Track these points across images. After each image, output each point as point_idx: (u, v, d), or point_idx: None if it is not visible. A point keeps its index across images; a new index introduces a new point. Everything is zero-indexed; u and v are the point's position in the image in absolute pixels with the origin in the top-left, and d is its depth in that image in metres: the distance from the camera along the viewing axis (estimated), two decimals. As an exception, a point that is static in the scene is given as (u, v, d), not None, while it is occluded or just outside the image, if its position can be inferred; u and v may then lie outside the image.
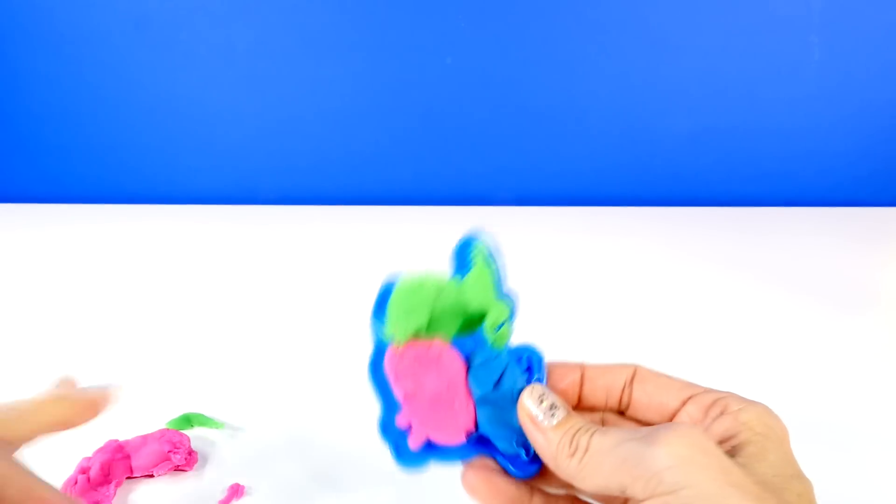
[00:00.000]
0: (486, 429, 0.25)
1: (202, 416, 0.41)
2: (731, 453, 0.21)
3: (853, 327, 0.54)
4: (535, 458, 0.25)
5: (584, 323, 0.55)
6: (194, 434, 0.40)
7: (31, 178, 0.88)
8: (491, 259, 0.27)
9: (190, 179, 0.87)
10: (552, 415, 0.23)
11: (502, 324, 0.27)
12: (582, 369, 0.27)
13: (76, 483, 0.35)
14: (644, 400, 0.26)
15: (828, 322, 0.55)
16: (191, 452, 0.38)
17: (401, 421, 0.26)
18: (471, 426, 0.26)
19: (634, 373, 0.26)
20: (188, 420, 0.41)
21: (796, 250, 0.70)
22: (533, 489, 0.25)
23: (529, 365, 0.26)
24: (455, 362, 0.26)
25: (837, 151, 0.83)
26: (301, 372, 0.47)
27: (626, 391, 0.26)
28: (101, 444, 0.37)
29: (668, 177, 0.85)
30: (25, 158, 0.87)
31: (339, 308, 0.57)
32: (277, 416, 0.42)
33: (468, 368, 0.26)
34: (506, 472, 0.25)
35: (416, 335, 0.26)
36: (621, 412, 0.27)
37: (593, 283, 0.63)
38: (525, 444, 0.25)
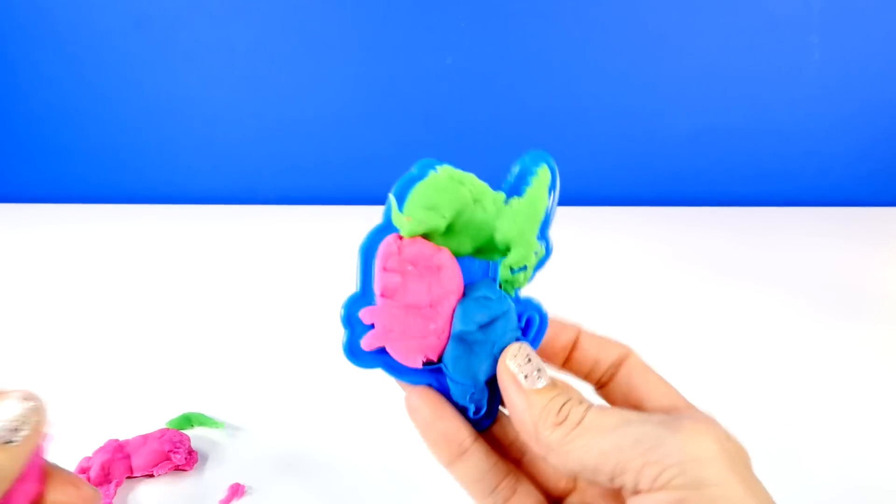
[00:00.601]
0: (447, 367, 0.22)
1: (202, 416, 0.41)
2: None
3: (853, 327, 0.54)
4: (481, 420, 0.23)
5: (584, 322, 0.55)
6: (194, 434, 0.40)
7: (31, 178, 0.88)
8: (551, 190, 0.23)
9: (190, 179, 0.87)
10: (538, 377, 0.21)
11: (523, 267, 0.23)
12: (578, 333, 0.25)
13: (76, 483, 0.35)
14: (623, 386, 0.24)
15: (828, 322, 0.55)
16: (191, 452, 0.38)
17: (365, 315, 0.22)
18: (434, 355, 0.23)
19: (627, 356, 0.24)
20: (188, 420, 0.41)
21: (796, 250, 0.70)
22: (477, 436, 0.23)
23: (528, 324, 0.23)
24: (453, 282, 0.23)
25: (837, 151, 0.83)
26: (301, 372, 0.47)
27: (610, 371, 0.24)
28: (101, 443, 0.37)
29: (668, 177, 0.85)
30: (25, 158, 0.87)
31: (339, 308, 0.57)
32: (277, 416, 0.42)
33: (463, 296, 0.23)
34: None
35: (428, 235, 0.23)
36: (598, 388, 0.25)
37: (593, 282, 0.63)
38: (478, 402, 0.23)
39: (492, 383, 0.23)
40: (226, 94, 0.82)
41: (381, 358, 0.23)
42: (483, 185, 0.23)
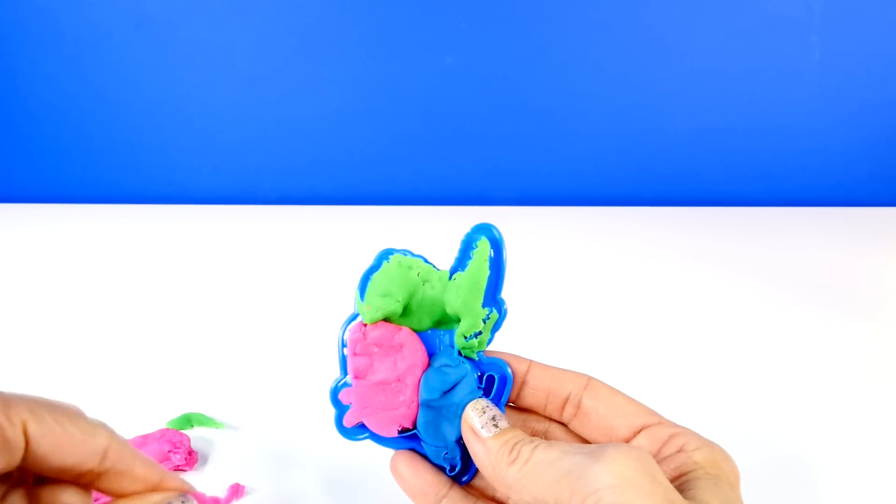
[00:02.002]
0: (421, 432, 0.25)
1: (202, 416, 0.41)
2: (684, 490, 0.21)
3: (853, 327, 0.54)
4: (458, 475, 0.26)
5: (584, 323, 0.55)
6: (194, 434, 0.40)
7: (31, 178, 0.88)
8: (494, 261, 0.25)
9: (190, 179, 0.87)
10: (494, 426, 0.23)
11: (477, 333, 0.25)
12: (529, 365, 0.26)
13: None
14: (593, 419, 0.25)
15: (828, 322, 0.55)
16: (191, 452, 0.38)
17: (343, 396, 0.26)
18: (408, 423, 0.25)
19: (587, 385, 0.25)
20: (188, 420, 0.41)
21: (796, 250, 0.70)
22: (452, 483, 0.26)
23: (488, 384, 0.25)
24: (415, 356, 0.25)
25: (837, 151, 0.83)
26: (301, 372, 0.47)
27: (573, 403, 0.25)
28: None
29: (668, 177, 0.85)
30: (25, 158, 0.87)
31: (339, 308, 0.57)
32: (278, 416, 0.42)
33: (428, 366, 0.25)
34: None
35: (389, 318, 0.25)
36: (563, 424, 0.26)
37: (593, 282, 0.63)
38: (452, 461, 0.25)
39: (462, 442, 0.25)
40: (226, 94, 0.82)
41: (364, 430, 0.26)
42: (429, 267, 0.26)
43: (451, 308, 0.25)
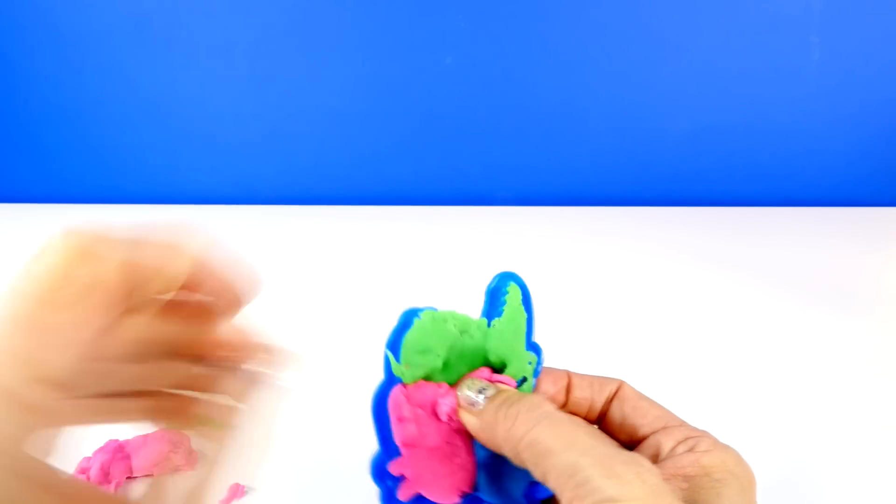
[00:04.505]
0: (483, 493, 0.24)
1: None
2: (688, 493, 0.20)
3: (853, 327, 0.54)
4: None
5: (584, 323, 0.55)
6: (194, 434, 0.40)
7: (31, 178, 0.88)
8: (525, 305, 0.25)
9: (190, 179, 0.87)
10: (481, 395, 0.23)
11: (523, 379, 0.25)
12: (569, 376, 0.26)
13: (76, 483, 0.35)
14: (618, 419, 0.25)
15: (827, 322, 0.55)
16: (191, 452, 0.38)
17: (394, 468, 0.23)
18: (467, 487, 0.24)
19: (618, 388, 0.25)
20: (188, 420, 0.41)
21: (796, 250, 0.70)
22: None
23: None
24: None
25: (837, 151, 0.83)
26: (301, 372, 0.47)
27: (605, 405, 0.25)
28: (101, 444, 0.37)
29: (668, 177, 0.85)
30: (25, 158, 0.87)
31: (339, 308, 0.57)
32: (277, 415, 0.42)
33: None
34: None
35: (429, 377, 0.24)
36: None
37: (593, 283, 0.63)
38: None
39: (530, 496, 0.24)
40: (226, 94, 0.82)
41: (420, 502, 0.23)
42: (465, 317, 0.24)
43: (496, 355, 0.24)
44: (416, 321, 0.23)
